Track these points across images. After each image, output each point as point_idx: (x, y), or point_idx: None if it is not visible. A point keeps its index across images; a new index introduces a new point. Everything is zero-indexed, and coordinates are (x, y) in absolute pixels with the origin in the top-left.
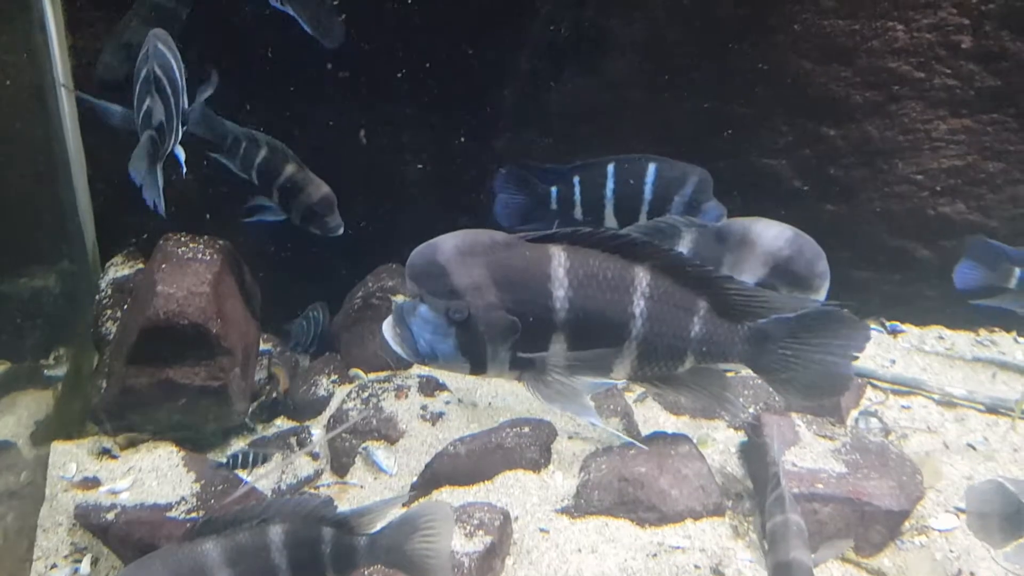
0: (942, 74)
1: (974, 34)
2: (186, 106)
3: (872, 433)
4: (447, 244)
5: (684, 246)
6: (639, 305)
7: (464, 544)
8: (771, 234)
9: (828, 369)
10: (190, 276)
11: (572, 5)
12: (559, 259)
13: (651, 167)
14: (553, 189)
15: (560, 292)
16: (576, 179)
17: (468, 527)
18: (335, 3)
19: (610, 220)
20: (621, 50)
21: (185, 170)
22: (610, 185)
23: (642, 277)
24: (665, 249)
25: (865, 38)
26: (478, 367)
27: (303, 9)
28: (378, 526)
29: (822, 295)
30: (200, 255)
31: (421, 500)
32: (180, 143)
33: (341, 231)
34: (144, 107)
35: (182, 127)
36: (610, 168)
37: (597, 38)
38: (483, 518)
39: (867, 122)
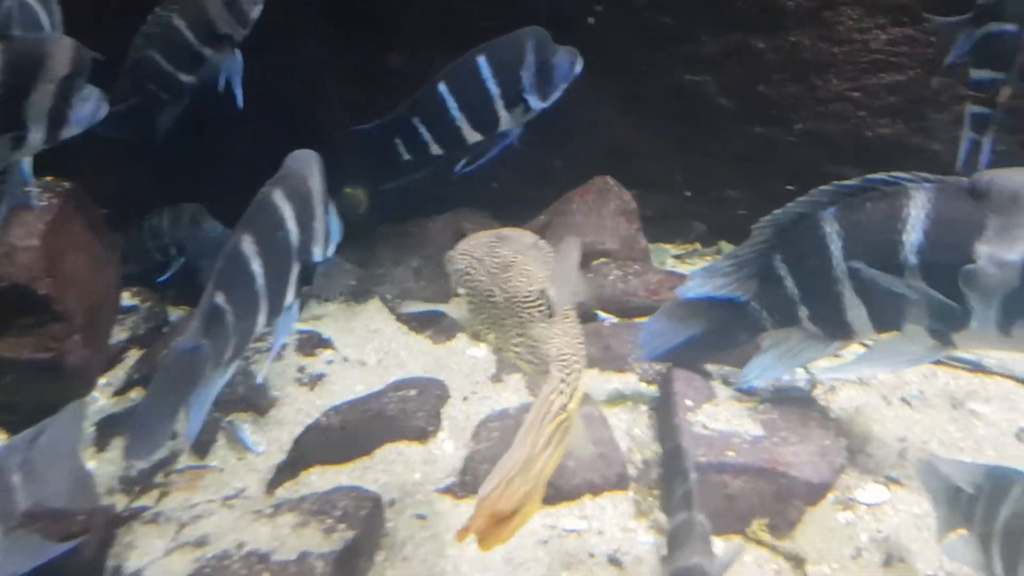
0: None
1: None
2: None
3: (798, 385)
4: None
5: (916, 208)
6: None
7: (320, 543)
8: None
9: None
10: (16, 228)
11: None
12: None
13: (480, 61)
14: (398, 141)
15: None
16: (415, 119)
17: (329, 520)
18: None
19: (474, 137)
20: None
21: None
22: (451, 104)
23: None
24: None
25: None
26: None
27: None
28: None
29: None
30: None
31: (287, 484)
32: None
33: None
34: None
35: None
36: (441, 87)
37: None
38: (348, 508)
39: (799, 31)
